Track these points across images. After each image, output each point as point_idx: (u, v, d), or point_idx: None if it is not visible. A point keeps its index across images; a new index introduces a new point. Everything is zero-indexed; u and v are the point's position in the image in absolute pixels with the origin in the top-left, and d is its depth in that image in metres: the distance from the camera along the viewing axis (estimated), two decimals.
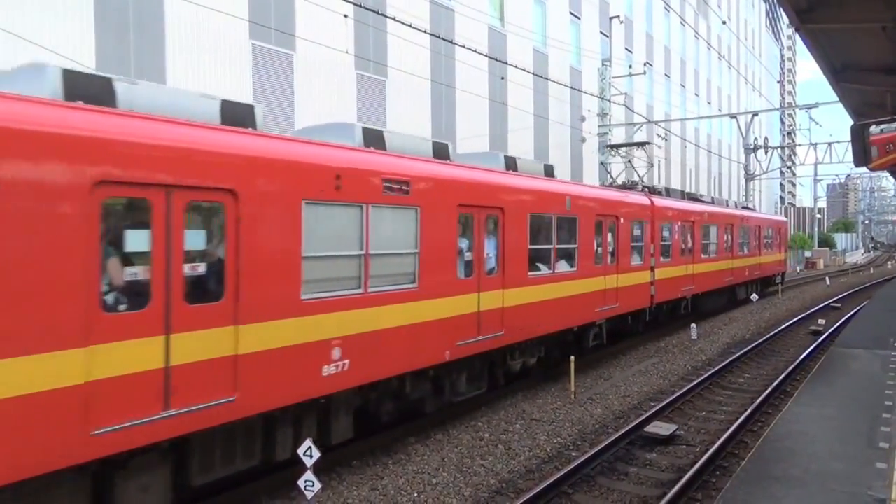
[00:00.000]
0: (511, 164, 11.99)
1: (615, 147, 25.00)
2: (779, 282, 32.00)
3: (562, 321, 12.53)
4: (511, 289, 10.87)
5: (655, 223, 17.12)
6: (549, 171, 13.52)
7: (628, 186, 19.02)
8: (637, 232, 16.07)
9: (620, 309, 15.01)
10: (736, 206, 26.85)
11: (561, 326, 12.49)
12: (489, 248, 10.55)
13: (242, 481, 7.58)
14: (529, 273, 11.35)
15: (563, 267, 12.66)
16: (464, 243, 10.00)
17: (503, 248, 10.70)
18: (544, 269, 11.99)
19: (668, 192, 20.40)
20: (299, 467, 7.02)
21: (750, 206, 32.50)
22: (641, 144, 23.69)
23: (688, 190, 46.47)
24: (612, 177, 21.10)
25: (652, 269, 16.81)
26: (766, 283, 30.14)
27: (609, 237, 14.54)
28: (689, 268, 19.44)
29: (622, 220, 14.99)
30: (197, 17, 15.25)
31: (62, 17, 13.16)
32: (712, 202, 24.01)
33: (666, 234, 17.98)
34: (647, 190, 18.99)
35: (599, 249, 14.02)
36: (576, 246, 13.03)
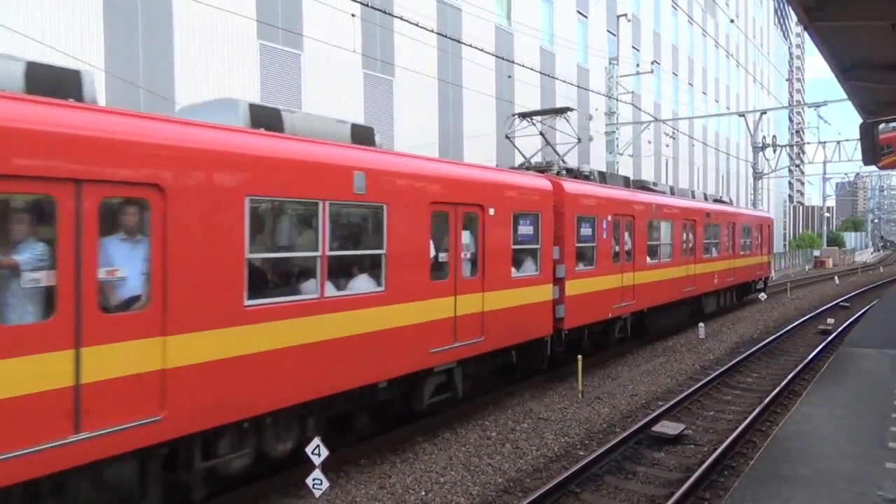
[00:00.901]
0: (260, 117, 7.48)
1: (526, 116, 15.74)
2: (761, 287, 27.76)
3: (334, 378, 7.65)
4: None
5: (566, 217, 12.55)
6: (361, 135, 8.72)
7: (542, 168, 13.98)
8: (526, 229, 11.41)
9: (486, 345, 10.12)
10: (705, 199, 22.79)
11: (327, 391, 7.58)
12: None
13: (250, 479, 7.61)
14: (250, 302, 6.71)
15: (354, 285, 8.09)
16: None
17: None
18: (297, 294, 7.40)
19: (603, 178, 15.59)
20: (307, 465, 7.06)
21: (726, 198, 27.14)
22: (561, 112, 15.45)
23: (696, 188, 46.34)
24: (524, 156, 15.21)
25: (559, 281, 12.33)
26: (744, 290, 25.69)
27: (465, 236, 9.90)
28: (625, 277, 14.95)
29: (492, 211, 10.23)
30: (205, 16, 15.31)
31: (71, 17, 13.23)
32: (671, 193, 19.78)
33: (586, 232, 13.43)
34: (564, 173, 13.97)
35: (441, 256, 9.42)
36: (382, 252, 8.26)
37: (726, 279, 22.27)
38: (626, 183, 16.83)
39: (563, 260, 12.33)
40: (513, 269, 10.97)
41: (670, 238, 17.64)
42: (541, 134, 16.10)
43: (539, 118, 15.94)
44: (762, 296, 27.68)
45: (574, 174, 14.47)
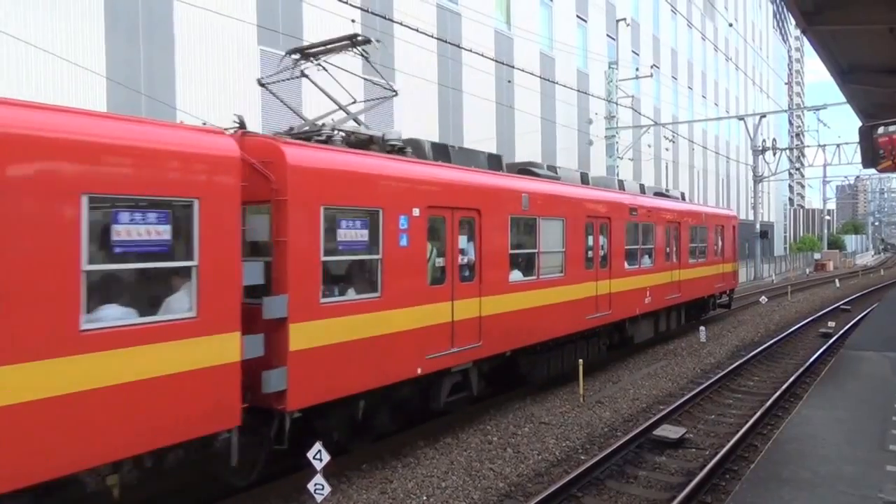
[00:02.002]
0: None
1: (306, 53, 10.49)
2: (725, 302, 23.47)
3: None
4: None
5: (292, 209, 7.11)
6: None
7: (308, 135, 8.69)
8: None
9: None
10: (642, 192, 17.23)
11: None
12: None
13: (251, 485, 7.61)
14: None
15: None
16: None
17: None
18: None
19: (441, 154, 10.14)
20: (308, 470, 7.07)
21: (668, 190, 20.74)
22: (353, 42, 10.21)
23: (697, 194, 46.26)
24: (301, 117, 10.42)
25: (270, 325, 6.89)
26: (700, 307, 20.88)
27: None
28: (463, 307, 9.61)
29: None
30: (206, 22, 15.36)
31: (73, 24, 13.28)
32: (581, 181, 14.25)
33: (352, 235, 7.96)
34: (339, 139, 8.70)
35: None
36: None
37: (667, 296, 17.06)
38: (495, 165, 11.37)
39: (285, 283, 6.96)
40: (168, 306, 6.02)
41: (561, 243, 12.35)
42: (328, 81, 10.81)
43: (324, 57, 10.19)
44: (763, 299, 27.67)
45: (369, 144, 9.07)
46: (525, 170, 12.71)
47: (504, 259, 10.57)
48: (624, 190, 16.15)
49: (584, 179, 14.46)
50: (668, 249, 17.28)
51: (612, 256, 14.30)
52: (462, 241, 9.70)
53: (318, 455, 6.98)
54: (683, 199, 21.07)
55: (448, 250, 9.37)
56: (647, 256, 16.21)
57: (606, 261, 14.12)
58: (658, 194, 18.50)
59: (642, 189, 17.35)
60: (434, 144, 10.12)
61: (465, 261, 9.77)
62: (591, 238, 13.60)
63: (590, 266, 13.42)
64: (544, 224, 11.67)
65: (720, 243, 21.83)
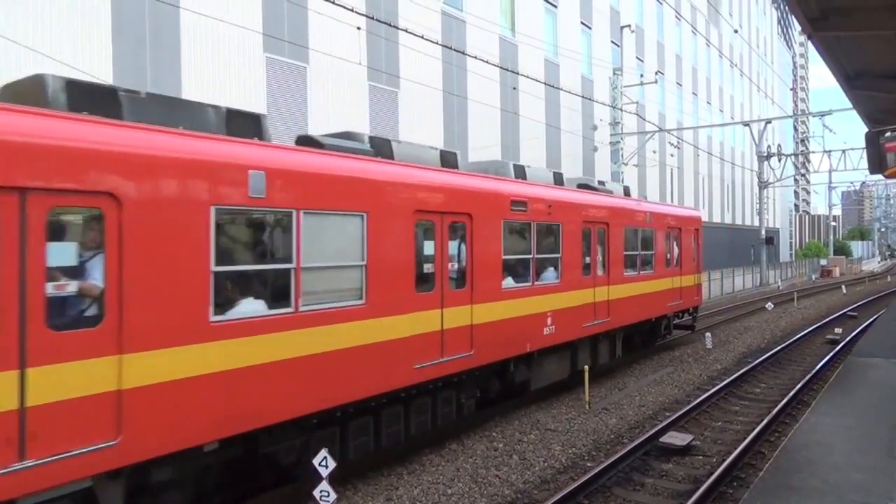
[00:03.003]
0: None
1: None
2: (688, 322, 19.20)
3: None
4: None
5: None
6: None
7: None
8: None
9: None
10: (559, 183, 12.84)
11: None
12: None
13: (257, 492, 7.59)
14: None
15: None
16: None
17: None
18: None
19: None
20: (314, 477, 7.04)
21: (603, 183, 15.76)
22: None
23: (700, 199, 46.25)
24: None
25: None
26: (651, 330, 16.72)
27: None
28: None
29: None
30: (212, 30, 15.44)
31: (81, 31, 13.36)
32: (441, 164, 10.00)
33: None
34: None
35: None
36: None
37: (586, 322, 12.69)
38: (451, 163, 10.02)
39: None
40: None
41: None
42: None
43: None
44: (769, 305, 27.57)
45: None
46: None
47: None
48: (519, 178, 11.50)
49: (450, 160, 10.08)
50: (586, 259, 12.60)
51: (473, 271, 9.49)
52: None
53: (324, 461, 6.96)
54: (627, 193, 16.32)
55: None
56: (549, 269, 11.71)
57: (465, 278, 9.42)
58: (584, 186, 14.16)
59: (558, 179, 12.83)
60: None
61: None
62: (461, 246, 9.44)
63: (426, 287, 8.74)
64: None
65: (676, 251, 17.35)
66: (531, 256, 11.12)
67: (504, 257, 10.26)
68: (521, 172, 11.73)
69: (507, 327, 10.26)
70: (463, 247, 9.48)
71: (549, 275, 11.70)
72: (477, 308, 9.55)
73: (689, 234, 18.38)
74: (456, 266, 9.39)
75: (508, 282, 10.61)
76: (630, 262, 14.72)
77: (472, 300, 9.49)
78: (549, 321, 11.47)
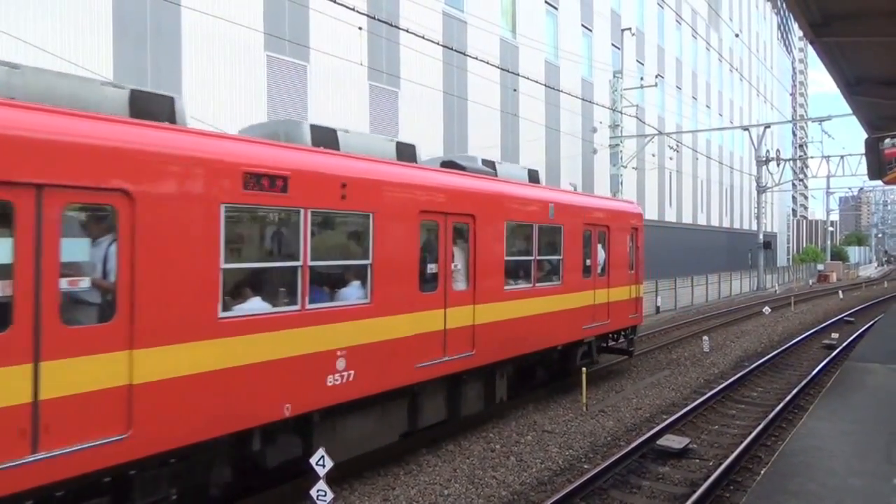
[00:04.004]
0: None
1: None
2: (623, 346, 15.19)
3: None
4: None
5: None
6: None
7: None
8: None
9: None
10: (410, 162, 9.16)
11: None
12: None
13: (252, 491, 7.58)
14: None
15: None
16: None
17: None
18: None
19: None
20: (311, 477, 7.03)
21: (496, 164, 11.62)
22: None
23: (699, 206, 46.26)
24: None
25: None
26: (564, 358, 12.82)
27: None
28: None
29: None
30: (213, 29, 15.42)
31: (82, 29, 13.34)
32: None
33: None
34: None
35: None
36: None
37: (427, 359, 8.83)
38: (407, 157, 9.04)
39: None
40: None
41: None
42: None
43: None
44: (766, 309, 27.61)
45: None
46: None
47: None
48: (329, 150, 7.89)
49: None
50: (427, 268, 8.88)
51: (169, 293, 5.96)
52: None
53: (321, 461, 6.95)
54: (534, 179, 12.25)
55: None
56: (353, 283, 7.88)
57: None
58: (450, 165, 10.29)
59: (403, 152, 9.06)
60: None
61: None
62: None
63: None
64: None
65: (601, 256, 13.56)
66: (299, 265, 7.04)
67: (224, 266, 6.25)
68: (326, 138, 8.09)
69: (230, 386, 6.33)
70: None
71: (350, 292, 7.80)
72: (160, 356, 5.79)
73: (622, 235, 14.48)
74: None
75: (350, 294, 7.80)
76: (517, 272, 10.91)
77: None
78: (340, 363, 7.45)
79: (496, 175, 11.14)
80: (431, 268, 9.00)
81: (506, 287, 10.47)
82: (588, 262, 13.05)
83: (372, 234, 7.94)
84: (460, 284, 9.59)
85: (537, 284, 11.41)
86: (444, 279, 9.14)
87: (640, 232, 15.48)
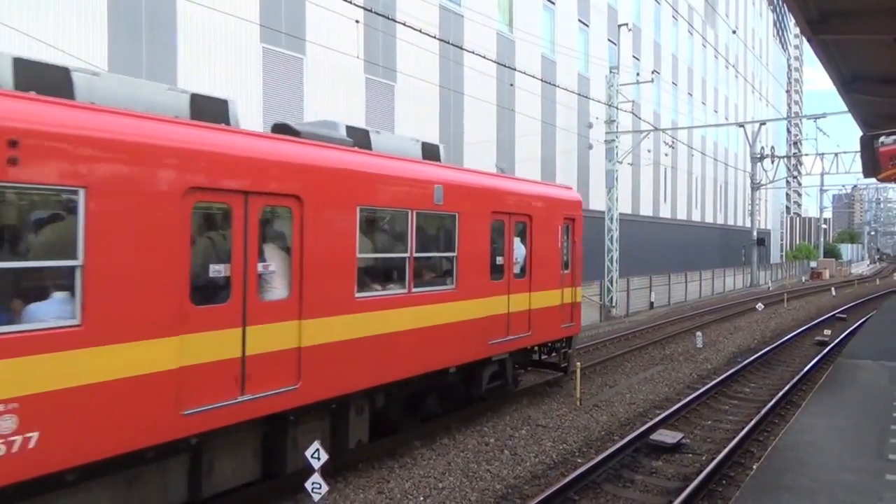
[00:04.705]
0: None
1: None
2: (556, 362, 12.92)
3: None
4: None
5: None
6: (429, 151, 9.87)
7: None
8: None
9: None
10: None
11: None
12: None
13: (248, 484, 7.57)
14: None
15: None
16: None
17: None
18: None
19: None
20: (305, 470, 7.04)
21: (374, 133, 9.25)
22: None
23: (694, 202, 46.40)
24: None
25: None
26: (468, 379, 10.43)
27: None
28: None
29: None
30: (208, 20, 15.33)
31: (76, 19, 13.24)
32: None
33: None
34: None
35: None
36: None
37: (224, 398, 6.35)
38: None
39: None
40: None
41: None
42: None
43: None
44: (759, 306, 27.73)
45: None
46: None
47: None
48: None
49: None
50: (211, 271, 6.44)
51: None
52: None
53: (316, 454, 6.95)
54: (432, 157, 9.88)
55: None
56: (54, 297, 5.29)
57: None
58: (282, 129, 7.96)
59: (197, 108, 6.84)
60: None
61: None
62: None
63: None
64: None
65: (518, 253, 11.08)
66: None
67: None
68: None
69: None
70: None
71: (44, 309, 5.21)
72: None
73: (551, 227, 11.93)
74: None
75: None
76: (381, 274, 8.65)
77: None
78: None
79: (370, 148, 8.78)
80: (216, 271, 6.38)
81: (358, 294, 7.77)
82: (499, 260, 10.48)
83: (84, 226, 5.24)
84: (276, 292, 6.97)
85: (416, 290, 8.73)
86: (242, 286, 6.50)
87: (577, 224, 12.99)
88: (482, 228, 10.05)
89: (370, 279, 8.41)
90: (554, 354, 12.85)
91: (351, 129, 8.80)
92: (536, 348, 12.40)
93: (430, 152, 9.85)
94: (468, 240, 9.63)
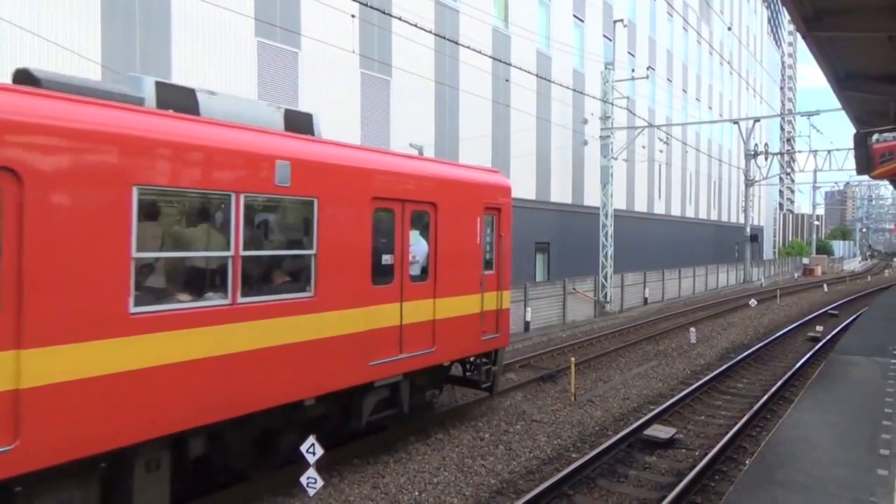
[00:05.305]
0: None
1: None
2: (481, 375, 10.75)
3: None
4: None
5: None
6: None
7: None
8: None
9: None
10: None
11: None
12: None
13: (244, 478, 7.58)
14: None
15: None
16: None
17: None
18: None
19: None
20: (301, 464, 7.04)
21: (204, 95, 7.12)
22: None
23: (688, 197, 46.49)
24: None
25: None
26: (341, 415, 8.35)
27: None
28: None
29: None
30: (203, 13, 15.25)
31: (70, 12, 13.15)
32: None
33: None
34: None
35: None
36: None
37: None
38: None
39: None
40: None
41: None
42: None
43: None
44: (752, 302, 27.85)
45: None
46: None
47: None
48: None
49: None
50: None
51: None
52: None
53: (312, 448, 6.96)
54: (303, 128, 7.99)
55: None
56: None
57: None
58: (23, 77, 5.84)
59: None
60: None
61: None
62: None
63: None
64: None
65: (418, 250, 9.18)
66: None
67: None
68: None
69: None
70: None
71: None
72: None
73: (465, 218, 9.87)
74: None
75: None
76: (187, 279, 6.57)
77: None
78: None
79: (197, 113, 6.85)
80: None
81: (135, 310, 5.66)
82: (387, 259, 8.49)
83: None
84: None
85: (244, 300, 6.60)
86: None
87: (505, 215, 10.80)
88: (358, 219, 7.91)
89: (164, 287, 6.20)
90: (485, 369, 10.80)
91: (164, 87, 6.76)
92: (445, 365, 10.09)
93: (296, 123, 7.88)
94: (334, 233, 7.52)
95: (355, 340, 7.90)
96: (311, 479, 6.95)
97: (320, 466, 7.01)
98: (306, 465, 6.93)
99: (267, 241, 7.36)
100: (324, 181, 7.49)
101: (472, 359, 10.73)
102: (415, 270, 9.03)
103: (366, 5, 15.56)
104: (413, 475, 8.35)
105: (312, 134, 7.77)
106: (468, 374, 10.97)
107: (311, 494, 7.05)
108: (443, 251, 9.39)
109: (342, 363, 7.77)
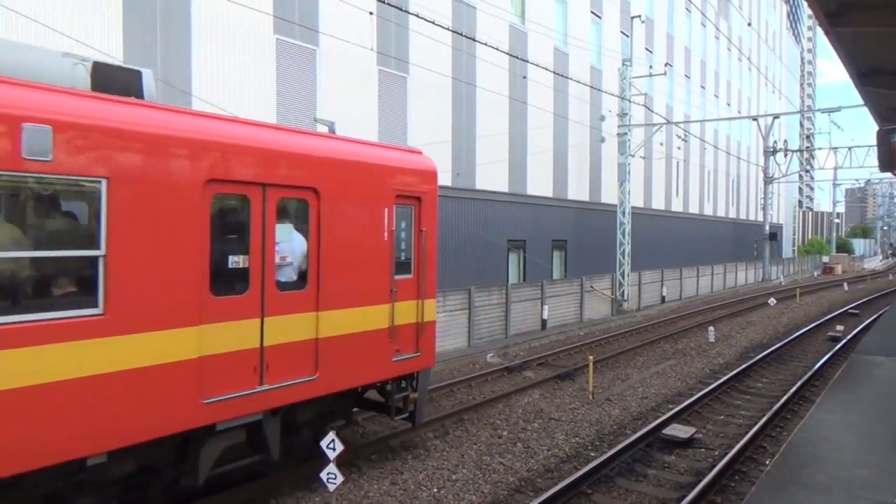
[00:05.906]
0: None
1: None
2: (399, 400, 8.66)
3: None
4: None
5: None
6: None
7: None
8: None
9: None
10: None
11: None
12: None
13: (264, 473, 7.64)
14: None
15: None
16: None
17: None
18: None
19: None
20: (320, 460, 7.10)
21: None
22: None
23: (706, 194, 46.07)
24: None
25: None
26: (167, 472, 6.26)
27: None
28: None
29: None
30: (222, 10, 15.35)
31: (92, 8, 13.29)
32: None
33: None
34: None
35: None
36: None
37: None
38: None
39: None
40: None
41: None
42: None
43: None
44: (771, 300, 27.59)
45: None
46: None
47: None
48: None
49: None
50: None
51: None
52: None
53: (332, 444, 7.01)
54: (125, 91, 5.85)
55: None
56: None
57: None
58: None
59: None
60: None
61: None
62: None
63: None
64: None
65: (291, 250, 7.09)
66: None
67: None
68: None
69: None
70: None
71: None
72: None
73: (366, 208, 7.90)
74: None
75: None
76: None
77: None
78: None
79: None
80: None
81: None
82: (234, 262, 6.43)
83: None
84: None
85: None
86: None
87: (429, 204, 8.83)
88: (182, 208, 5.84)
89: None
90: (407, 394, 8.82)
91: None
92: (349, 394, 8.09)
93: (112, 79, 5.92)
94: (138, 227, 5.50)
95: (175, 373, 5.73)
96: (332, 475, 7.00)
97: (340, 462, 7.05)
98: (326, 461, 6.99)
99: (22, 239, 5.07)
100: (121, 156, 5.36)
101: (387, 386, 8.56)
102: (286, 276, 6.91)
103: (383, 2, 15.59)
104: (432, 472, 8.38)
105: (141, 96, 5.56)
106: (387, 401, 8.66)
107: (332, 490, 7.12)
108: (329, 251, 7.22)
109: (151, 405, 5.56)
